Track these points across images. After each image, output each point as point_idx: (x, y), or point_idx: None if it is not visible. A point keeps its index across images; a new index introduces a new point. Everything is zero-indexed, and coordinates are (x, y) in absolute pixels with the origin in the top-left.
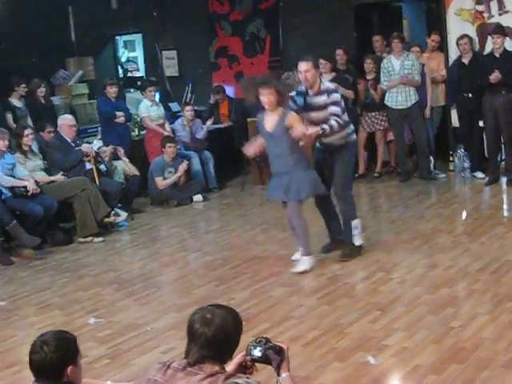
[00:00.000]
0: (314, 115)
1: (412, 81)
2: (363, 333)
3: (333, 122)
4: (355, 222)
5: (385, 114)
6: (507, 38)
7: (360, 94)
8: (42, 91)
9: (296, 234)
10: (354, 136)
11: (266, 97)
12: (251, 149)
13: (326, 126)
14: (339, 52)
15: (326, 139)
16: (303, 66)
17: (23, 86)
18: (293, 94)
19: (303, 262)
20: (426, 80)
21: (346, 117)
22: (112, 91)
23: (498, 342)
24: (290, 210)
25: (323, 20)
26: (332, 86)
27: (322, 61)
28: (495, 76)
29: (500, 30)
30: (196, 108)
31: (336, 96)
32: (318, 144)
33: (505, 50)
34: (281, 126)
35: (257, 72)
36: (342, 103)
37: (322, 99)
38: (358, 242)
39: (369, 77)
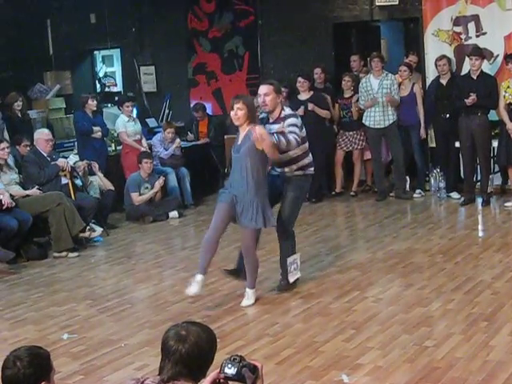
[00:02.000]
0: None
1: (392, 100)
2: (337, 351)
3: (290, 137)
4: (291, 259)
5: (362, 134)
6: (485, 60)
7: (337, 113)
8: (18, 105)
9: (247, 263)
10: (312, 168)
11: (235, 111)
12: None
13: (282, 138)
14: (317, 71)
15: (285, 169)
16: (263, 89)
17: None
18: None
19: (250, 296)
20: (418, 99)
21: (306, 145)
22: (93, 104)
23: (471, 361)
24: (247, 239)
25: (302, 38)
26: (291, 112)
27: (300, 79)
28: (472, 99)
29: (478, 52)
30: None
31: (292, 120)
32: (273, 172)
33: (482, 72)
34: (246, 141)
35: (234, 89)
36: (303, 130)
37: (278, 126)
38: (292, 278)
39: (346, 95)
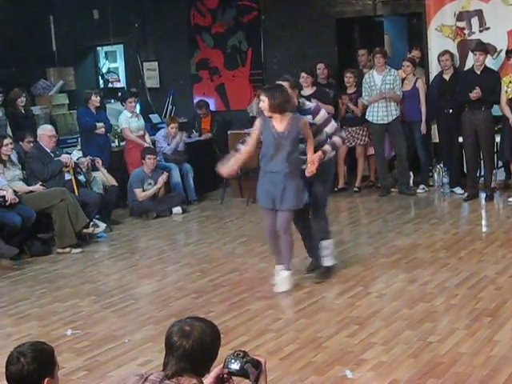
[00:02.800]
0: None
1: (394, 95)
2: (341, 347)
3: (334, 139)
4: (326, 243)
5: (365, 129)
6: (488, 55)
7: (341, 109)
8: (22, 101)
9: (281, 247)
10: (334, 152)
11: (266, 102)
12: (225, 170)
13: (328, 148)
14: (320, 66)
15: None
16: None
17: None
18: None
19: (284, 278)
20: (421, 95)
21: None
22: (96, 100)
23: (475, 356)
24: (282, 220)
25: (305, 34)
26: (312, 104)
27: (303, 74)
28: (476, 93)
29: (482, 47)
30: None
31: (323, 113)
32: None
33: (485, 67)
34: (292, 128)
35: (237, 85)
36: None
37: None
38: (327, 263)
39: (350, 91)
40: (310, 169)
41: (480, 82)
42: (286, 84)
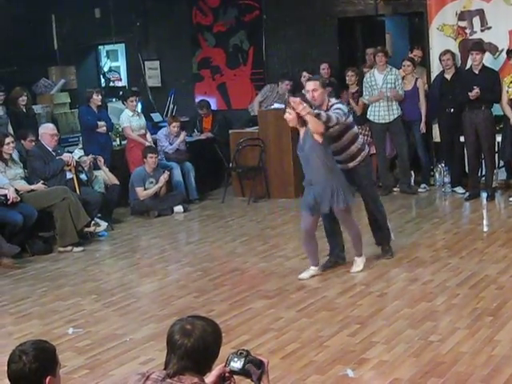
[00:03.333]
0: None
1: (396, 94)
2: (342, 346)
3: (330, 113)
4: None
5: (367, 128)
6: (487, 54)
7: None
8: (23, 100)
9: (351, 236)
10: (364, 152)
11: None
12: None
13: (323, 113)
14: (324, 66)
15: (349, 164)
16: (311, 85)
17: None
18: None
19: (358, 263)
20: (421, 94)
21: (350, 134)
22: (98, 99)
23: (476, 356)
24: (341, 215)
25: (306, 33)
26: (337, 100)
27: (305, 74)
28: (475, 93)
29: (479, 47)
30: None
31: (338, 105)
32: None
33: (484, 66)
34: (307, 139)
35: (239, 84)
36: (350, 118)
37: None
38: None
39: (352, 90)
40: (293, 102)
41: (478, 81)
42: (316, 83)
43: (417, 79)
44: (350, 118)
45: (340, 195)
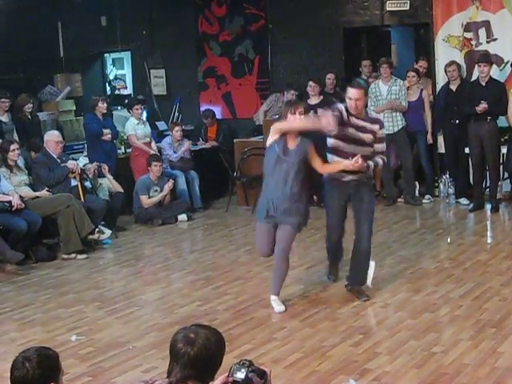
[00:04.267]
0: (362, 135)
1: (399, 106)
2: (345, 356)
3: (379, 160)
4: (372, 262)
5: None
6: (493, 66)
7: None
8: (29, 107)
9: (276, 271)
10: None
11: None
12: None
13: (371, 163)
14: (330, 76)
15: (357, 176)
16: (356, 93)
17: (3, 100)
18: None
19: (274, 304)
20: (426, 105)
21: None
22: (103, 107)
23: (479, 368)
24: (285, 237)
25: (312, 43)
26: (381, 117)
27: (311, 83)
28: (482, 107)
29: (486, 59)
30: (183, 127)
31: (383, 131)
32: (330, 183)
33: (490, 78)
34: (299, 149)
35: (244, 93)
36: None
37: (369, 125)
38: (370, 281)
39: None
40: (357, 162)
41: (486, 93)
42: (361, 92)
43: (422, 90)
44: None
45: (302, 218)
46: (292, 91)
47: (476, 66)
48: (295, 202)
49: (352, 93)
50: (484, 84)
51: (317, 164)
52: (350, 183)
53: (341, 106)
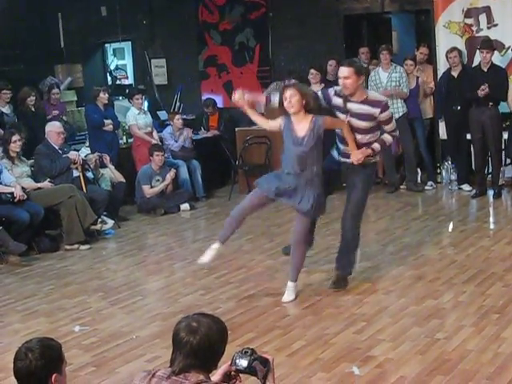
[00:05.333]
0: (357, 123)
1: (400, 93)
2: (348, 343)
3: (387, 138)
4: (358, 252)
5: None
6: (496, 52)
7: None
8: (31, 100)
9: (293, 256)
10: (378, 156)
11: (288, 99)
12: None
13: (377, 146)
14: (332, 63)
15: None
16: (343, 71)
17: (5, 91)
18: (331, 91)
19: (290, 292)
20: (421, 93)
21: (378, 132)
22: (105, 97)
23: (482, 354)
24: (300, 226)
25: (312, 30)
26: (385, 99)
27: (312, 71)
28: (484, 92)
29: (488, 45)
30: (184, 117)
31: (389, 113)
32: (336, 154)
33: (492, 64)
34: (313, 133)
35: (245, 82)
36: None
37: (367, 109)
38: (352, 271)
39: None
40: (357, 157)
41: (487, 79)
42: (350, 70)
43: (418, 78)
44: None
45: (316, 204)
46: (293, 79)
47: (478, 51)
48: (308, 188)
49: (340, 70)
50: (486, 70)
51: (342, 126)
52: (346, 164)
53: (330, 89)
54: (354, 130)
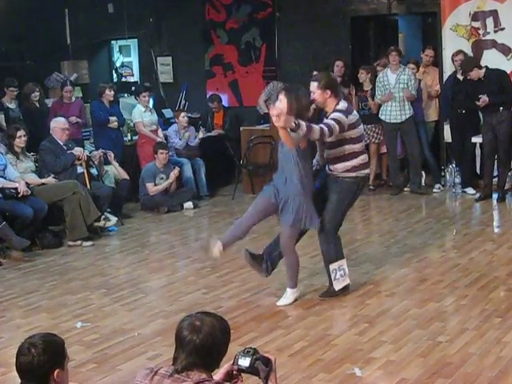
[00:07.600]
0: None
1: (410, 95)
2: (350, 345)
3: (316, 126)
4: (335, 265)
5: (380, 127)
6: (499, 55)
7: (355, 106)
8: (35, 95)
9: (286, 263)
10: (366, 171)
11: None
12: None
13: (303, 123)
14: (339, 63)
15: (330, 167)
16: (310, 85)
17: (11, 88)
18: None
19: (288, 296)
20: (423, 96)
21: (357, 146)
22: (110, 94)
23: (484, 357)
24: (285, 237)
25: (319, 31)
26: (343, 107)
27: (315, 73)
28: (482, 101)
29: (470, 66)
30: (190, 115)
31: (335, 114)
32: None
33: (487, 71)
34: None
35: (251, 81)
36: (359, 128)
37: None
38: (338, 286)
39: (366, 88)
40: (274, 114)
41: (486, 86)
42: (314, 85)
43: (420, 81)
44: (359, 130)
45: (301, 213)
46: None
47: (485, 55)
48: (294, 196)
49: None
50: (482, 79)
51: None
52: (329, 175)
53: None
54: (326, 144)
